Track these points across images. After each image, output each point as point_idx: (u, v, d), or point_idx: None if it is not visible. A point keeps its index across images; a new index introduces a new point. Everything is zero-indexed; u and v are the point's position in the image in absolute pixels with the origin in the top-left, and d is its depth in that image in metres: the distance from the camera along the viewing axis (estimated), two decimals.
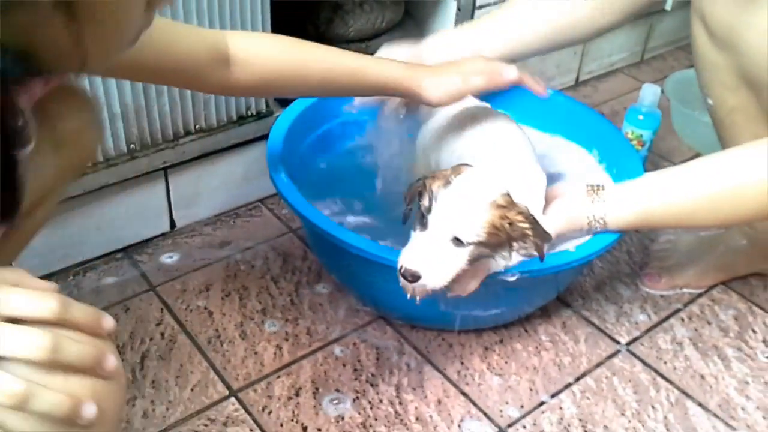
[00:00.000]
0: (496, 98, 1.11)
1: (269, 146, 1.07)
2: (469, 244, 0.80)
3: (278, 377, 0.98)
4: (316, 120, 1.20)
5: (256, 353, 1.01)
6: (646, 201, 0.91)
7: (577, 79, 1.75)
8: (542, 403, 0.97)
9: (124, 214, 1.14)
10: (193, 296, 1.10)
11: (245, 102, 1.17)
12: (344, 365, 1.00)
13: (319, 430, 0.91)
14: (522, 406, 0.96)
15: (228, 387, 0.96)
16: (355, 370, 1.00)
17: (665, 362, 1.05)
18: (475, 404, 0.96)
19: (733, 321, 1.12)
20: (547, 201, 0.93)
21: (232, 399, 0.95)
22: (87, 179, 1.04)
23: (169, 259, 1.17)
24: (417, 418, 0.94)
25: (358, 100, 1.10)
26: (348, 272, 1.06)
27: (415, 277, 0.79)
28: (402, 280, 0.81)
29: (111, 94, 1.01)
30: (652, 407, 0.98)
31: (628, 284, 1.18)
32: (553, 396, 0.98)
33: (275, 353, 1.01)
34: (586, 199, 0.92)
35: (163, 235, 1.21)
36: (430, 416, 0.94)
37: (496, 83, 0.95)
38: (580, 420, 0.95)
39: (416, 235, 0.82)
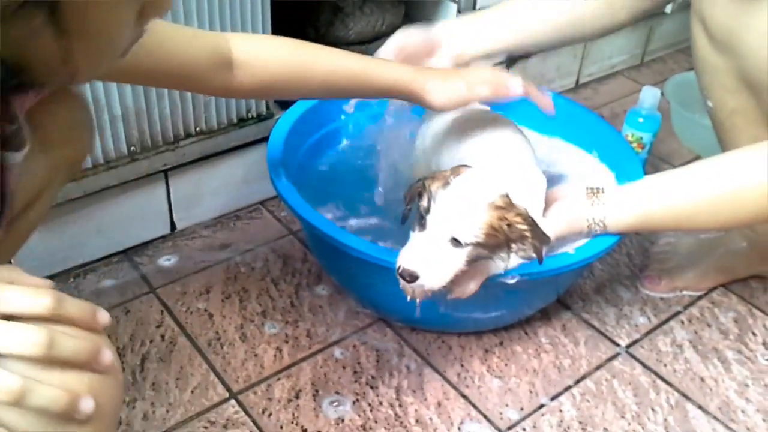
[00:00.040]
0: None
1: (269, 148, 1.07)
2: (467, 244, 0.80)
3: (278, 379, 0.98)
4: (317, 122, 1.20)
5: (256, 355, 1.01)
6: (646, 204, 0.91)
7: (578, 81, 1.75)
8: (542, 406, 0.97)
9: (124, 217, 1.14)
10: (193, 298, 1.10)
11: (245, 104, 1.17)
12: (344, 367, 1.00)
13: None
14: (522, 409, 0.96)
15: (228, 389, 0.96)
16: (355, 372, 1.00)
17: (665, 365, 1.05)
18: (475, 407, 0.96)
19: (733, 323, 1.12)
20: (547, 204, 0.93)
21: (232, 401, 0.95)
22: (87, 181, 1.05)
23: (169, 261, 1.17)
24: (417, 421, 0.94)
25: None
26: (348, 274, 1.06)
27: (413, 278, 0.79)
28: (401, 281, 0.81)
29: (112, 97, 1.01)
30: (652, 410, 0.98)
31: (628, 287, 1.18)
32: (553, 398, 0.98)
33: (275, 355, 1.01)
34: (585, 201, 0.92)
35: (163, 237, 1.21)
36: (430, 418, 0.94)
37: (501, 95, 0.94)
38: (580, 422, 0.95)
39: (415, 236, 0.82)
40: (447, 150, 1.01)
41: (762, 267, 1.18)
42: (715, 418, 0.97)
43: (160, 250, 1.19)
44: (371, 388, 0.98)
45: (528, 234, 0.81)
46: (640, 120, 1.33)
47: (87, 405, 0.46)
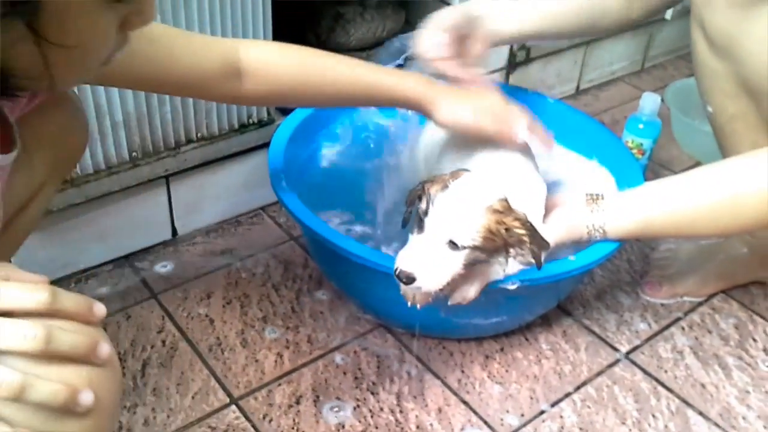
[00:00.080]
0: None
1: (270, 154, 1.07)
2: (465, 247, 0.80)
3: (279, 385, 0.98)
4: (318, 128, 1.20)
5: (256, 361, 1.01)
6: (646, 210, 0.92)
7: (578, 87, 1.75)
8: (542, 412, 0.97)
9: (125, 222, 1.14)
10: (194, 304, 1.10)
11: (246, 110, 1.17)
12: (345, 373, 1.00)
13: None
14: (522, 415, 0.96)
15: (229, 395, 0.96)
16: (356, 378, 1.00)
17: (666, 371, 1.04)
18: (475, 412, 0.96)
19: (733, 330, 1.12)
20: (547, 210, 0.94)
21: (233, 407, 0.95)
22: (89, 187, 1.05)
23: (170, 266, 1.17)
24: (417, 427, 0.94)
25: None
26: (348, 280, 1.06)
27: (409, 279, 0.79)
28: (401, 285, 0.81)
29: (113, 103, 1.01)
30: (653, 416, 0.97)
31: (628, 293, 1.18)
32: (553, 405, 0.98)
33: (276, 361, 1.01)
34: (585, 208, 0.93)
35: (164, 242, 1.21)
36: (431, 424, 0.94)
37: (503, 135, 0.94)
38: (581, 429, 0.95)
39: (413, 238, 0.82)
40: (448, 155, 1.02)
41: (762, 273, 1.18)
42: (715, 424, 0.97)
43: (162, 255, 1.19)
44: (372, 393, 0.98)
45: (526, 239, 0.81)
46: (641, 126, 1.34)
47: (86, 398, 0.46)
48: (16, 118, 0.63)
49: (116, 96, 1.01)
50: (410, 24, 1.45)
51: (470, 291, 0.86)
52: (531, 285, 0.89)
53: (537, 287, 0.91)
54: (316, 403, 0.96)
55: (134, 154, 1.08)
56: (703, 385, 1.03)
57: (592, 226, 0.92)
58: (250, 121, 1.19)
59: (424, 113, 0.95)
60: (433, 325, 1.02)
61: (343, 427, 0.93)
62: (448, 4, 1.39)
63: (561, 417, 0.96)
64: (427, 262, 0.80)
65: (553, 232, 0.90)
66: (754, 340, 1.11)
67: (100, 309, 0.50)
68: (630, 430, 0.95)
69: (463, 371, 1.02)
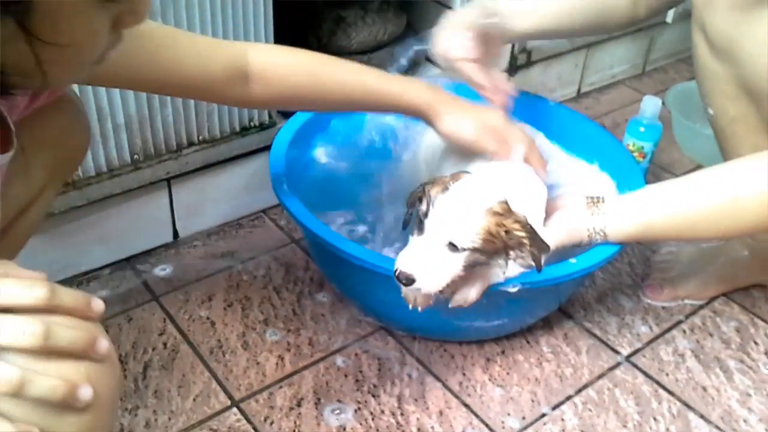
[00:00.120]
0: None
1: (272, 157, 1.07)
2: (464, 249, 0.80)
3: (280, 387, 0.98)
4: (319, 130, 1.20)
5: (258, 363, 1.01)
6: (647, 213, 0.92)
7: (579, 90, 1.75)
8: (544, 415, 0.97)
9: (127, 225, 1.14)
10: (195, 306, 1.10)
11: (248, 113, 1.18)
12: (346, 376, 1.00)
13: None
14: (523, 418, 0.96)
15: (230, 397, 0.96)
16: (357, 380, 1.00)
17: (667, 374, 1.04)
18: (476, 415, 0.96)
19: (734, 333, 1.12)
20: (548, 213, 0.94)
21: (234, 409, 0.95)
22: (90, 189, 1.05)
23: (171, 269, 1.17)
24: (419, 429, 0.94)
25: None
26: (349, 282, 1.06)
27: (409, 280, 0.79)
28: (403, 289, 0.81)
29: (115, 105, 1.02)
30: (654, 419, 0.97)
31: (629, 295, 1.18)
32: (554, 408, 0.98)
33: (277, 363, 1.01)
34: (586, 211, 0.93)
35: (166, 245, 1.21)
36: (432, 427, 0.94)
37: (501, 155, 0.95)
38: None
39: (413, 240, 0.82)
40: (449, 158, 1.02)
41: (763, 276, 1.18)
42: (717, 427, 0.97)
43: (163, 258, 1.19)
44: (373, 396, 0.98)
45: (526, 241, 0.81)
46: (642, 129, 1.34)
47: (85, 393, 0.46)
48: (17, 120, 0.63)
49: (118, 98, 1.01)
50: (412, 28, 1.46)
51: (471, 293, 0.86)
52: (532, 288, 0.89)
53: (538, 290, 0.91)
54: (317, 405, 0.96)
55: (136, 156, 1.08)
56: (704, 388, 1.03)
57: (592, 229, 0.92)
58: (252, 123, 1.19)
59: (426, 122, 0.96)
60: (434, 327, 1.02)
61: (345, 429, 0.93)
62: (449, 7, 1.39)
63: (562, 420, 0.96)
64: (427, 264, 0.80)
65: (553, 235, 0.90)
66: (756, 343, 1.11)
67: (98, 305, 0.50)
68: None
69: (464, 374, 1.02)
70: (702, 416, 0.98)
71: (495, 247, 0.81)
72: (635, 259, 1.25)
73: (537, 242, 0.82)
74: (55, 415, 0.46)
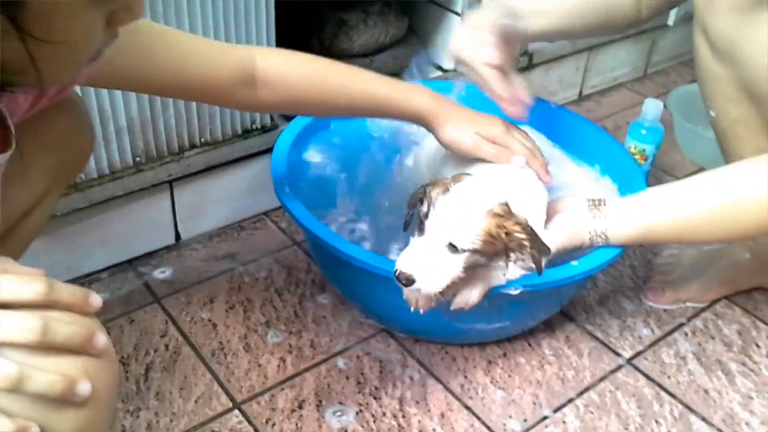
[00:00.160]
0: (499, 114, 1.11)
1: (273, 159, 1.07)
2: (464, 251, 0.80)
3: (282, 389, 0.98)
4: (320, 133, 1.21)
5: (259, 365, 1.01)
6: (648, 216, 0.92)
7: (581, 93, 1.75)
8: (545, 418, 0.97)
9: (129, 227, 1.14)
10: (197, 308, 1.10)
11: (250, 116, 1.18)
12: (347, 378, 1.00)
13: None
14: (525, 420, 0.96)
15: (232, 399, 0.96)
16: (359, 382, 1.00)
17: (669, 376, 1.04)
18: (478, 418, 0.96)
19: (736, 335, 1.12)
20: (549, 216, 0.94)
21: (236, 411, 0.95)
22: (92, 192, 1.05)
23: (173, 271, 1.17)
24: None
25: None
26: (351, 284, 1.06)
27: (409, 281, 0.79)
28: (404, 291, 0.81)
29: (117, 108, 1.02)
30: (656, 422, 0.97)
31: (631, 298, 1.18)
32: (556, 410, 0.98)
33: (279, 365, 1.02)
34: (587, 213, 0.93)
35: (167, 247, 1.21)
36: (433, 429, 0.94)
37: (500, 163, 0.95)
38: None
39: (414, 241, 0.83)
40: (450, 160, 1.02)
41: (765, 279, 1.18)
42: (719, 430, 0.97)
43: (165, 260, 1.19)
44: (374, 398, 0.98)
45: (527, 243, 0.81)
46: (643, 132, 1.34)
47: (83, 388, 0.47)
48: (20, 122, 0.63)
49: (120, 101, 1.02)
50: (413, 30, 1.46)
51: (472, 296, 0.86)
52: (534, 290, 0.89)
53: (540, 292, 0.91)
54: (319, 407, 0.96)
55: (138, 159, 1.08)
56: (706, 391, 1.02)
57: (594, 231, 0.92)
58: (254, 126, 1.19)
59: (428, 129, 0.97)
60: (435, 329, 1.02)
61: (346, 431, 0.93)
62: (452, 10, 1.39)
63: (564, 422, 0.96)
64: (427, 265, 0.80)
65: (554, 238, 0.90)
66: (757, 345, 1.11)
67: (96, 300, 0.50)
68: None
69: (465, 376, 1.02)
70: (704, 419, 0.98)
71: (495, 248, 0.81)
72: (637, 261, 1.25)
73: (537, 244, 0.82)
74: (54, 410, 0.46)
